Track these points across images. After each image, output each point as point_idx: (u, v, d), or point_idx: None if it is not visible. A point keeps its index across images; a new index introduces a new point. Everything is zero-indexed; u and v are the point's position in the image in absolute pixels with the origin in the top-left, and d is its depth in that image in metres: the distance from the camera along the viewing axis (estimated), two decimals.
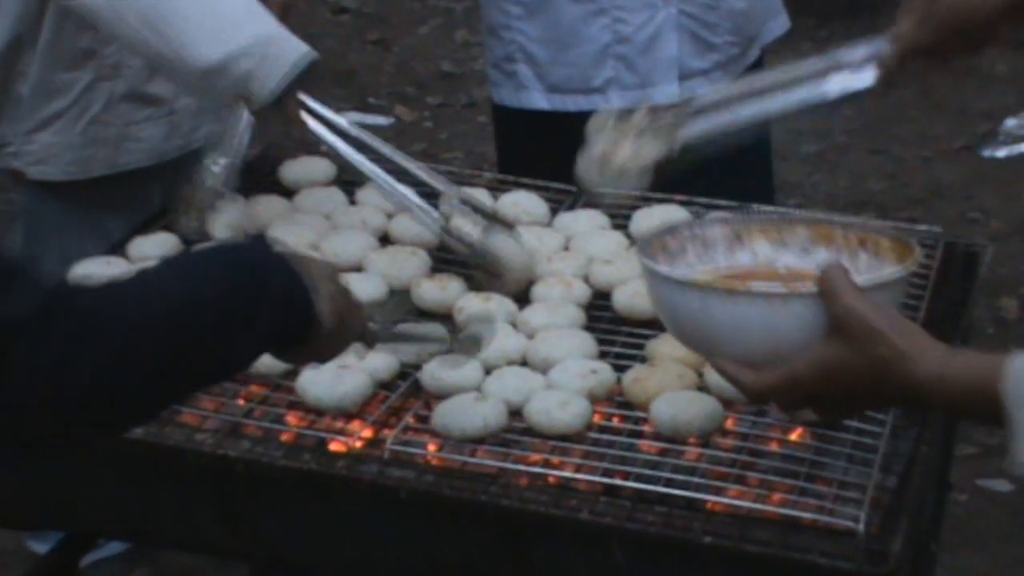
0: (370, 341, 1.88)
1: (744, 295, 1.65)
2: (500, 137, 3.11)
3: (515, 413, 2.05)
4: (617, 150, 2.09)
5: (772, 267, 1.87)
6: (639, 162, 2.15)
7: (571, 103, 2.88)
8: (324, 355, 1.78)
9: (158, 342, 1.49)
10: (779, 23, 3.01)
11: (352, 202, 2.66)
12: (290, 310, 1.64)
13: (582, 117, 2.86)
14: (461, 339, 2.00)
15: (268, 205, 2.63)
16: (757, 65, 2.97)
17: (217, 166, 2.45)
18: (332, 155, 2.49)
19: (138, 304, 1.50)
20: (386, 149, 2.47)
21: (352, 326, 1.78)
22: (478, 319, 2.12)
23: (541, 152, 2.94)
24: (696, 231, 1.89)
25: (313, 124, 2.42)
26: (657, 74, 2.84)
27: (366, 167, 2.42)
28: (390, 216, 2.58)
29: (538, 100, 2.91)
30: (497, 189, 2.69)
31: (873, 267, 1.80)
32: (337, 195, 2.67)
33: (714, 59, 2.87)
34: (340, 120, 2.46)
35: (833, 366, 1.57)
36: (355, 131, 2.47)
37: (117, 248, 2.50)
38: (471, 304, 2.28)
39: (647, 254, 1.80)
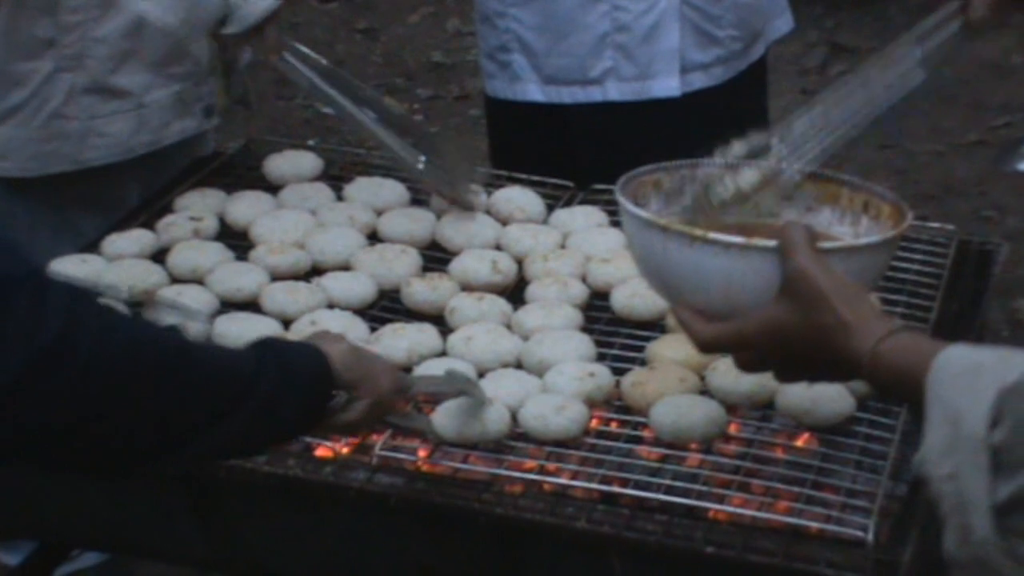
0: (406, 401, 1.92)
1: (703, 242, 1.66)
2: (493, 131, 3.12)
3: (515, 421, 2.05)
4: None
5: (773, 222, 1.86)
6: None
7: (567, 95, 2.89)
8: (351, 428, 1.82)
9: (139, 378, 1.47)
10: (784, 21, 3.02)
11: (339, 198, 2.67)
12: (318, 398, 1.70)
13: (578, 110, 2.89)
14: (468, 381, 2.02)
15: (251, 201, 2.63)
16: (760, 64, 2.97)
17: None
18: (311, 91, 2.54)
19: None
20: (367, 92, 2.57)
21: (382, 397, 1.81)
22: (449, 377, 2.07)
23: (536, 146, 2.96)
24: (698, 172, 1.89)
25: (289, 57, 2.48)
26: (657, 66, 2.85)
27: (346, 105, 2.47)
28: (379, 213, 2.59)
29: (533, 92, 2.92)
30: (491, 184, 2.70)
31: (871, 232, 1.82)
32: (324, 191, 2.68)
33: (716, 53, 2.87)
34: (318, 59, 2.53)
35: (777, 326, 1.58)
36: (332, 69, 2.57)
37: (91, 246, 2.50)
38: (463, 304, 2.29)
39: (628, 189, 1.81)
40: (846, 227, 1.86)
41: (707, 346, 1.68)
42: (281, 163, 2.76)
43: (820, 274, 1.56)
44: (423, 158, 2.53)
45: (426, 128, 2.60)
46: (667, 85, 2.84)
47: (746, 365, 1.66)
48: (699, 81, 2.86)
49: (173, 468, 1.76)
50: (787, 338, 1.57)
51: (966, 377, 1.36)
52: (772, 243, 1.62)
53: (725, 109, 2.86)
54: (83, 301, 1.43)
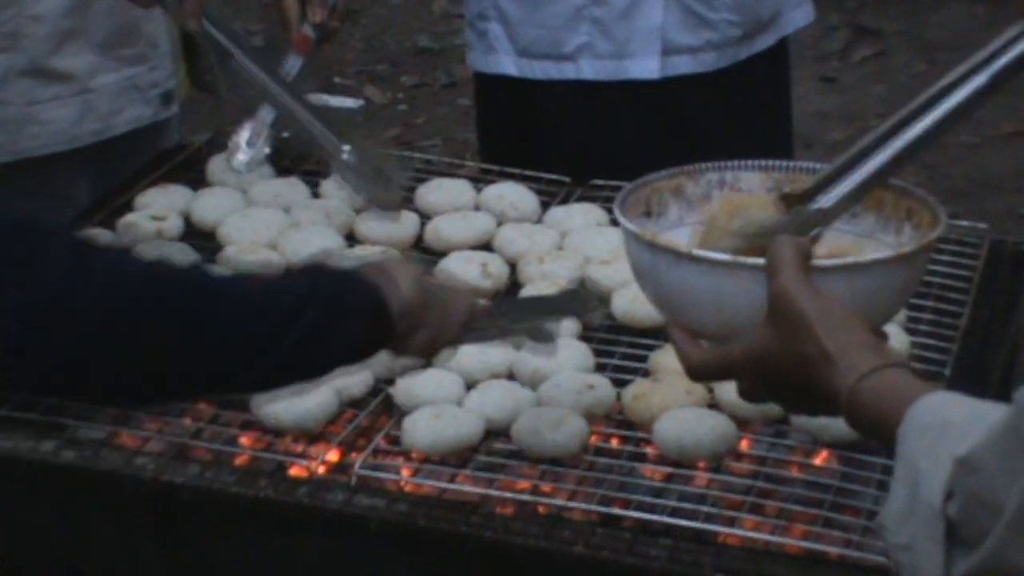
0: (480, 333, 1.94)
1: (689, 260, 1.67)
2: (479, 110, 3.14)
3: (500, 433, 2.06)
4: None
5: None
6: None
7: (539, 70, 2.89)
8: (425, 350, 1.86)
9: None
10: (803, 13, 2.97)
11: (315, 194, 2.68)
12: (372, 326, 1.75)
13: (552, 88, 2.88)
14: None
15: (219, 198, 2.64)
16: (770, 55, 2.94)
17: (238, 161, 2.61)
18: (229, 66, 2.56)
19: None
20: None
21: (444, 321, 1.84)
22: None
23: (517, 129, 2.96)
24: (727, 176, 1.88)
25: (210, 27, 2.50)
26: (635, 44, 2.82)
27: (269, 85, 2.52)
28: (359, 211, 2.60)
29: (507, 64, 2.92)
30: (481, 180, 2.71)
31: (913, 243, 1.78)
32: (298, 186, 2.68)
33: (706, 37, 2.84)
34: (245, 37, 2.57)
35: (760, 354, 1.56)
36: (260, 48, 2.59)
37: None
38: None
39: (638, 196, 1.82)
40: (890, 236, 1.84)
41: (694, 372, 1.69)
42: (219, 172, 2.73)
43: (804, 297, 1.53)
44: (346, 147, 2.53)
45: (354, 121, 2.60)
46: (645, 66, 2.83)
47: (744, 393, 1.66)
48: (684, 65, 2.84)
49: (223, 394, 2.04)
50: (769, 366, 1.56)
51: (931, 435, 1.35)
52: (761, 261, 1.60)
53: (716, 100, 2.86)
54: (90, 247, 1.59)
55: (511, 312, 2.02)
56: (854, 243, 1.82)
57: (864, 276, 1.65)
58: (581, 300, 2.02)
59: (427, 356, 1.92)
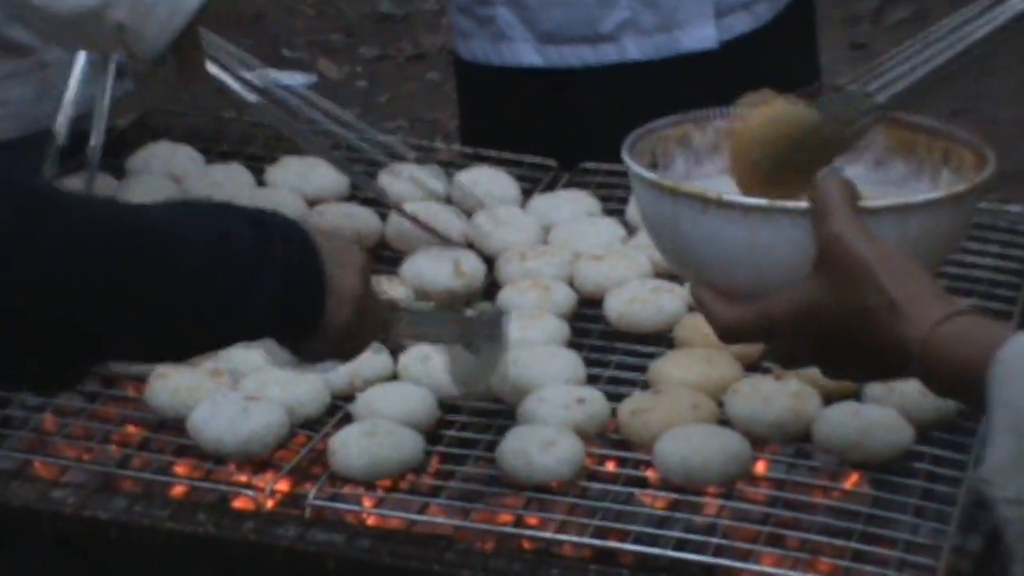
0: (391, 341, 2.00)
1: (717, 206, 1.69)
2: (467, 103, 3.13)
3: (489, 460, 2.08)
4: None
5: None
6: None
7: (572, 56, 2.88)
8: (342, 348, 1.88)
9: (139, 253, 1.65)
10: None
11: (260, 183, 2.69)
12: (303, 281, 1.77)
13: (587, 75, 2.87)
14: (482, 322, 2.09)
15: (148, 188, 2.65)
16: (796, 13, 2.95)
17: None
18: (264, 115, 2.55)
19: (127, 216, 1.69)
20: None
21: (376, 314, 1.89)
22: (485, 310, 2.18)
23: (527, 123, 2.94)
24: (736, 124, 1.88)
25: (224, 77, 2.49)
26: (685, 10, 2.82)
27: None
28: (312, 203, 2.61)
29: (526, 53, 2.90)
30: (453, 165, 2.72)
31: (953, 187, 1.81)
32: (240, 174, 2.70)
33: None
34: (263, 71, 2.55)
35: (809, 307, 1.59)
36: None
37: None
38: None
39: (644, 147, 1.84)
40: (924, 182, 1.88)
41: (728, 332, 1.71)
42: (150, 160, 2.75)
43: (861, 242, 1.57)
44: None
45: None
46: (701, 35, 2.83)
47: (782, 357, 1.68)
48: (741, 24, 2.83)
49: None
50: (822, 321, 1.59)
51: None
52: (803, 205, 1.64)
53: (771, 57, 2.85)
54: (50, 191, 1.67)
55: (422, 326, 2.06)
56: (885, 191, 1.84)
57: (917, 218, 1.69)
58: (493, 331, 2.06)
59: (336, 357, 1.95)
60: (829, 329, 1.59)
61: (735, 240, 1.69)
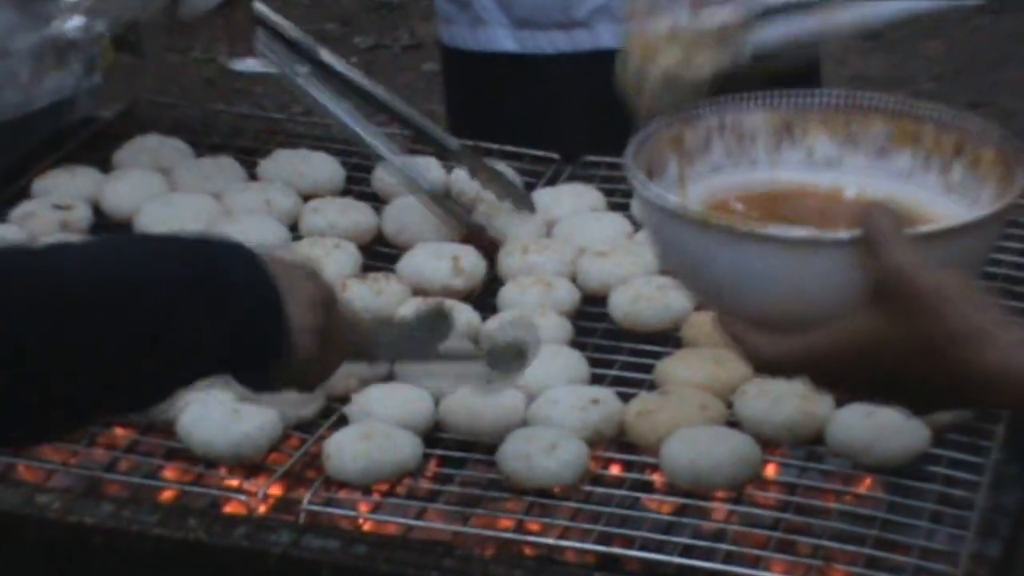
0: (371, 359, 1.95)
1: (754, 240, 1.66)
2: (452, 89, 3.15)
3: (489, 463, 2.07)
4: (665, 54, 2.06)
5: (835, 184, 1.87)
6: (695, 72, 2.09)
7: (546, 42, 2.91)
8: (304, 381, 1.83)
9: (83, 315, 1.58)
10: None
11: (252, 176, 2.69)
12: (254, 315, 1.70)
13: (559, 61, 2.89)
14: (499, 351, 2.04)
15: (135, 182, 2.64)
16: None
17: None
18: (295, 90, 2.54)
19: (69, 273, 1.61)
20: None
21: (342, 344, 1.84)
22: (512, 324, 2.15)
23: (506, 108, 2.97)
24: (727, 118, 1.89)
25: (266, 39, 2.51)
26: None
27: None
28: (306, 197, 2.61)
29: (502, 39, 2.93)
30: (452, 158, 2.72)
31: (968, 187, 1.80)
32: (231, 167, 2.69)
33: None
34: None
35: (872, 341, 1.59)
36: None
37: None
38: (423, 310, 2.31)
39: (642, 156, 1.81)
40: (933, 176, 1.86)
41: (771, 366, 1.70)
42: (137, 153, 2.73)
43: (927, 272, 1.57)
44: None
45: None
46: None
47: (837, 391, 1.67)
48: (717, 10, 2.86)
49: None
50: (885, 356, 1.59)
51: None
52: (849, 235, 1.62)
53: None
54: None
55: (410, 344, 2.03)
56: (891, 186, 1.84)
57: (961, 240, 1.67)
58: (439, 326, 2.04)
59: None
60: (896, 363, 1.59)
61: (775, 273, 1.65)
